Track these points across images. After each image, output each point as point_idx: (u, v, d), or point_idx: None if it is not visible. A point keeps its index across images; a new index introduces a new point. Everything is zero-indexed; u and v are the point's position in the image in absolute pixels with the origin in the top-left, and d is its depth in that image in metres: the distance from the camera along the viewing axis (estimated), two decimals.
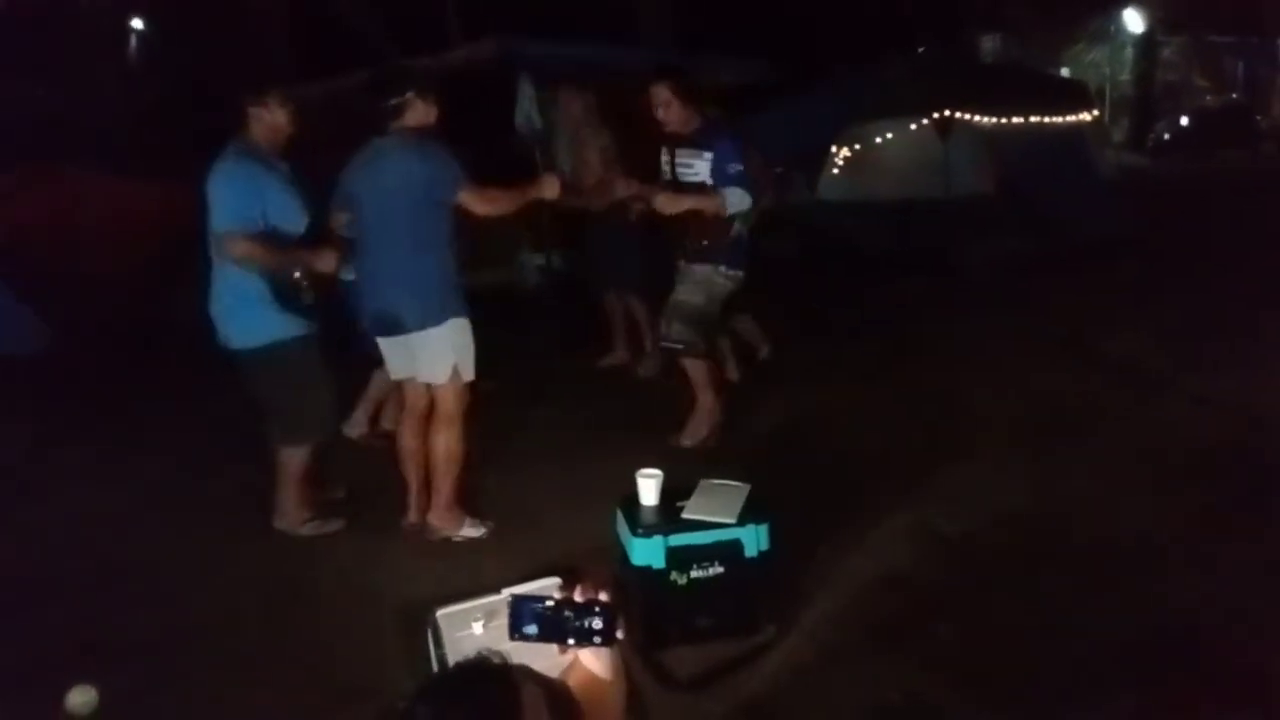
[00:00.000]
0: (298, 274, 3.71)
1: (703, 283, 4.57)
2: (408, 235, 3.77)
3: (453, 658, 2.63)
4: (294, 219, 3.78)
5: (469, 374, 3.94)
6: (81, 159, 9.63)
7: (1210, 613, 3.22)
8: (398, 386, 4.99)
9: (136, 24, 17.57)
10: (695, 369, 4.69)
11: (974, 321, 7.43)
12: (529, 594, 1.54)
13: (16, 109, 12.25)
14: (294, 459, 4.01)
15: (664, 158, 4.62)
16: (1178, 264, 9.28)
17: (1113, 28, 28.42)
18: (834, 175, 11.67)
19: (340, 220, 4.10)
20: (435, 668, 2.79)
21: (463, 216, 3.91)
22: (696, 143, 4.48)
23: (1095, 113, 13.24)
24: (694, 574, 3.11)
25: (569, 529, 4.04)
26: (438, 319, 3.81)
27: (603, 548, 3.44)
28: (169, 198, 7.84)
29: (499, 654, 1.34)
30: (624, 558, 3.19)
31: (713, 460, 4.56)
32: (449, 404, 3.93)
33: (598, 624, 1.51)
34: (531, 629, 1.50)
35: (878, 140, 11.39)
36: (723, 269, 4.55)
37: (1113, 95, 28.12)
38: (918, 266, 9.03)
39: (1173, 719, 2.76)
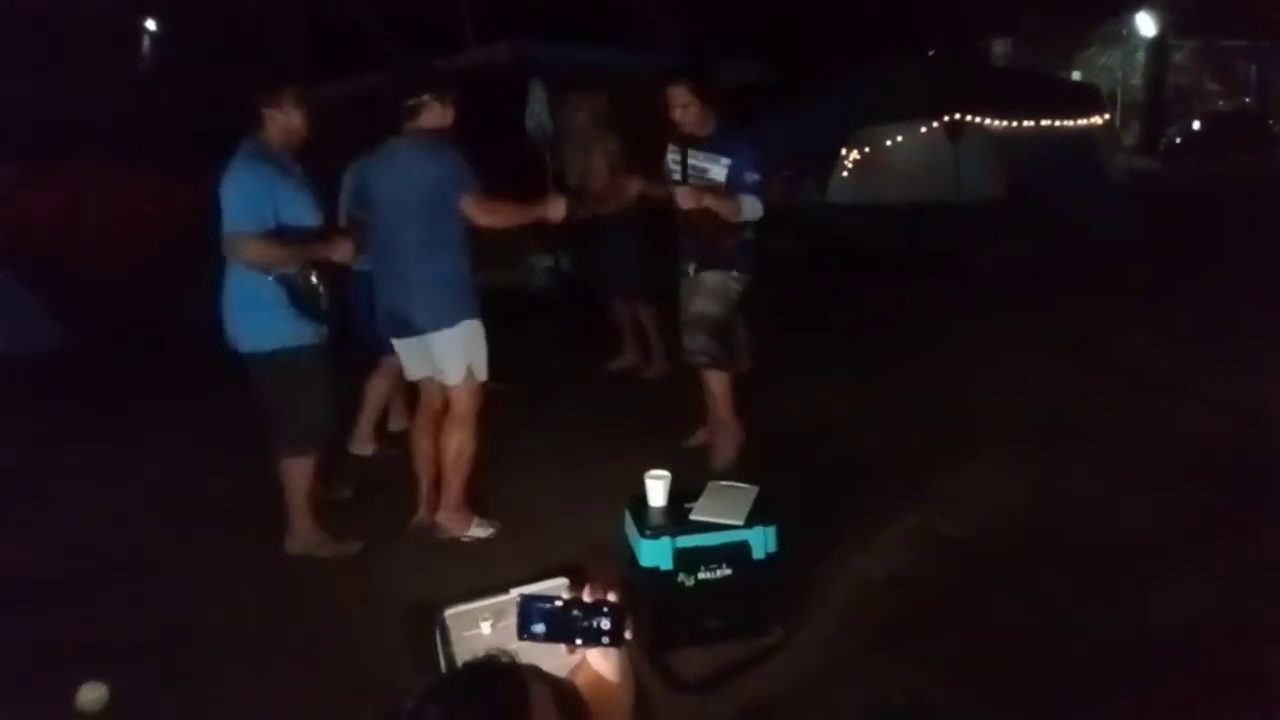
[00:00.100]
0: (314, 278, 3.67)
1: (717, 291, 4.52)
2: (419, 236, 3.78)
3: (461, 657, 2.64)
4: (306, 219, 3.75)
5: (482, 375, 3.94)
6: (90, 157, 9.66)
7: (1210, 612, 3.21)
8: (399, 386, 5.04)
9: (149, 24, 17.66)
10: (719, 383, 4.62)
11: (984, 324, 7.42)
12: (537, 594, 1.54)
13: (26, 107, 12.29)
14: (299, 474, 3.90)
15: (672, 157, 4.57)
16: (1189, 268, 9.26)
17: (1124, 31, 28.35)
18: (844, 178, 11.68)
19: (359, 216, 4.10)
20: (443, 667, 2.80)
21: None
22: (716, 146, 4.42)
23: (1106, 116, 13.19)
24: (702, 575, 3.12)
25: (577, 529, 4.04)
26: (451, 320, 3.81)
27: (610, 548, 3.44)
28: (177, 197, 7.89)
29: (507, 653, 1.34)
30: (632, 559, 3.19)
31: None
32: (463, 404, 3.93)
33: (606, 624, 1.51)
34: (540, 629, 1.50)
35: (888, 143, 11.39)
36: (735, 274, 4.52)
37: (1124, 99, 28.03)
38: (928, 269, 9.03)
39: (1172, 718, 2.75)
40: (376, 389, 5.04)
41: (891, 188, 10.85)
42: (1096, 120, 11.99)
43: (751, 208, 4.34)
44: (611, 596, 1.54)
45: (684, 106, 4.40)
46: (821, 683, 2.98)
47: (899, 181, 10.84)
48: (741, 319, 5.08)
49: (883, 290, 8.77)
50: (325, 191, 4.05)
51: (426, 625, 3.07)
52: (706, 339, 4.53)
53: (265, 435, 3.92)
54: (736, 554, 3.13)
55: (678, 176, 4.51)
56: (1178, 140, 26.59)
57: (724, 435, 4.65)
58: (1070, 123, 11.21)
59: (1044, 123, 10.74)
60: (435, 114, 3.83)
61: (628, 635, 1.54)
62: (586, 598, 1.53)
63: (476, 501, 4.14)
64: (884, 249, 9.86)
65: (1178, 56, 29.81)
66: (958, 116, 9.85)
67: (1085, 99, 12.65)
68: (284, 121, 3.76)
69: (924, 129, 10.67)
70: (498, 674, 1.30)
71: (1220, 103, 30.24)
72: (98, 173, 9.03)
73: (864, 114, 10.77)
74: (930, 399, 5.72)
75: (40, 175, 8.51)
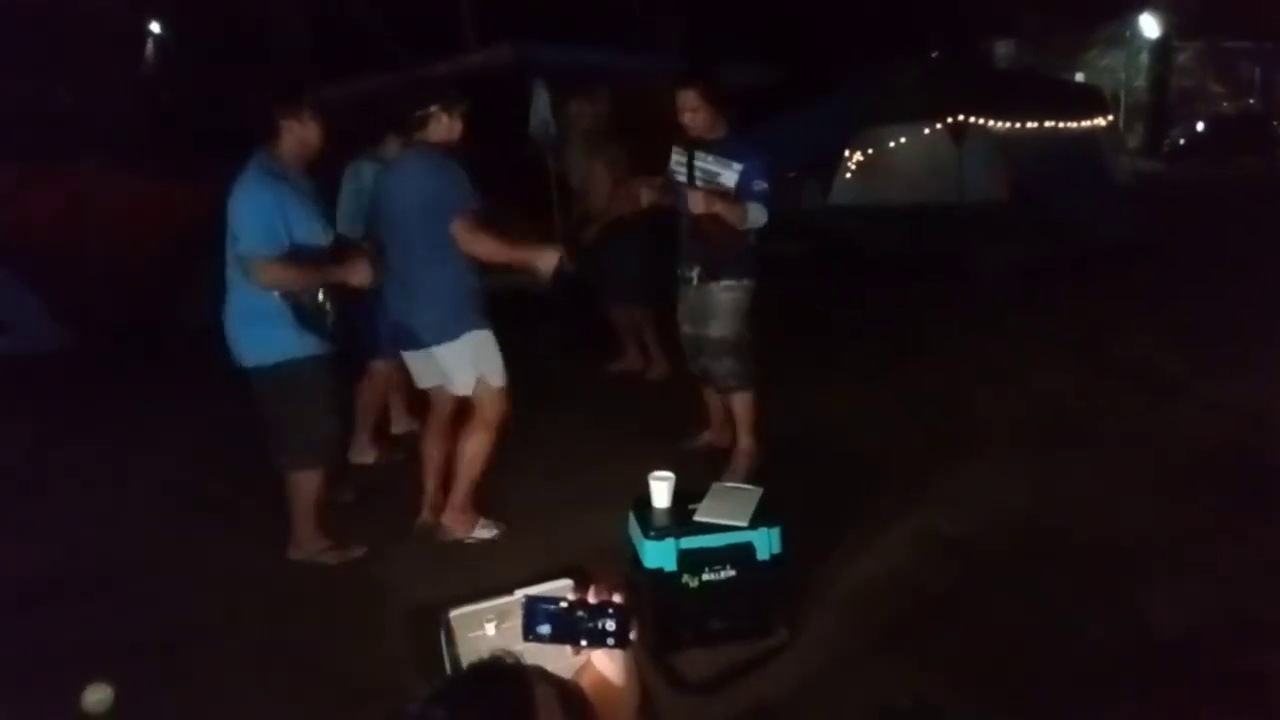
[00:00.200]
0: (320, 295, 3.63)
1: (731, 309, 4.48)
2: (421, 250, 3.76)
3: (466, 658, 2.63)
4: (318, 238, 3.70)
5: (499, 381, 3.91)
6: (91, 157, 9.65)
7: (1212, 614, 3.21)
8: (399, 389, 5.02)
9: (150, 25, 17.67)
10: (744, 406, 4.58)
11: (987, 325, 7.41)
12: (542, 595, 1.54)
13: (26, 107, 12.30)
14: (306, 485, 3.86)
15: (677, 159, 4.54)
16: (1192, 270, 9.26)
17: (1128, 33, 28.32)
18: (847, 180, 11.67)
19: (378, 237, 4.06)
20: (448, 668, 2.80)
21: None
22: (729, 151, 4.40)
23: (1110, 118, 13.17)
24: (706, 577, 3.11)
25: (581, 531, 4.03)
26: (454, 334, 3.80)
27: (614, 550, 3.43)
28: (178, 197, 7.90)
29: (513, 654, 1.33)
30: (636, 560, 3.18)
31: (721, 462, 4.56)
32: (486, 409, 3.92)
33: (611, 625, 1.51)
34: (545, 630, 1.50)
35: (891, 145, 11.37)
36: (745, 282, 4.50)
37: (1128, 101, 28.02)
38: (930, 271, 9.02)
39: None
40: (364, 398, 5.03)
41: (894, 189, 10.83)
42: (1100, 122, 11.97)
43: (757, 215, 4.33)
44: (616, 598, 1.54)
45: (694, 110, 4.38)
46: (825, 684, 2.98)
47: (902, 183, 10.83)
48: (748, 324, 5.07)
49: (885, 292, 8.77)
50: (328, 199, 4.01)
51: (429, 627, 3.07)
52: (732, 361, 4.51)
53: (268, 448, 3.88)
54: (741, 555, 3.12)
55: (683, 179, 4.50)
56: (1181, 142, 26.59)
57: (741, 456, 4.60)
58: (1074, 124, 11.19)
59: (1047, 124, 10.72)
60: (442, 126, 3.80)
61: (633, 636, 1.54)
62: (591, 599, 1.53)
63: (481, 503, 4.13)
64: (887, 250, 9.86)
65: (1181, 58, 29.78)
66: (961, 118, 9.84)
67: (1088, 101, 12.63)
68: (301, 134, 3.69)
69: (927, 130, 10.65)
70: (503, 675, 1.29)
71: (1224, 104, 30.21)
72: (98, 173, 9.01)
73: (866, 115, 10.74)
74: (933, 400, 5.72)
75: (41, 175, 8.49)
